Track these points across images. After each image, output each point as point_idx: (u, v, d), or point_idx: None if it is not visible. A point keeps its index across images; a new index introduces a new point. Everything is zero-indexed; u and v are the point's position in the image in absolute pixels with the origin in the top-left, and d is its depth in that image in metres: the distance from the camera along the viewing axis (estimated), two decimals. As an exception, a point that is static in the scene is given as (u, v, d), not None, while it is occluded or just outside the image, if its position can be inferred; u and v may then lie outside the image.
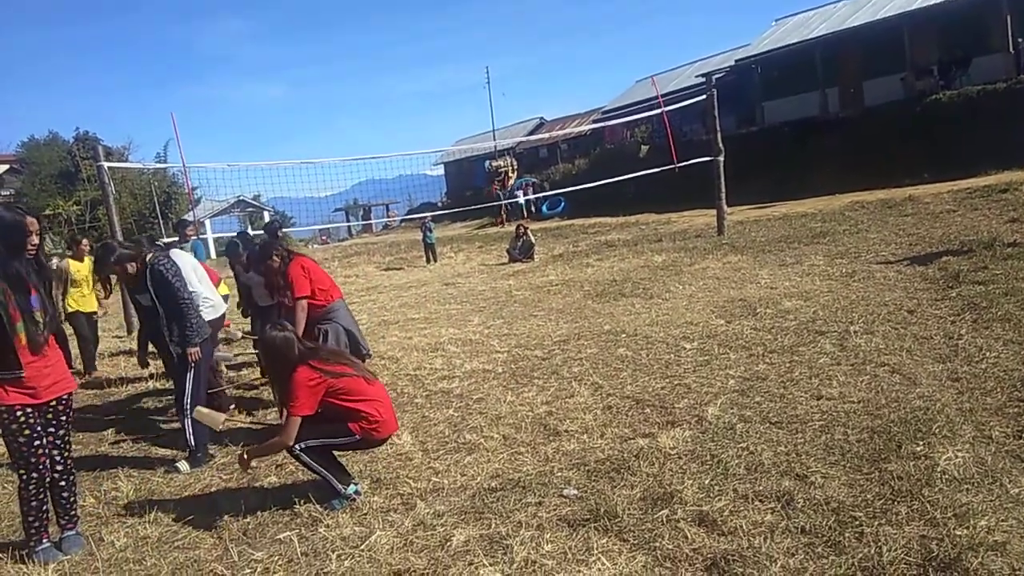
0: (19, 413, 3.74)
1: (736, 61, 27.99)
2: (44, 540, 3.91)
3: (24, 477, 3.81)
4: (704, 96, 15.18)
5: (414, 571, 3.37)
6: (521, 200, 29.91)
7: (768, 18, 32.16)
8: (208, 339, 5.36)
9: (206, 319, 5.46)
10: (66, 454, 4.00)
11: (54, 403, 3.89)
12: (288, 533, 3.91)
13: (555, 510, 3.79)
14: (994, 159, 15.95)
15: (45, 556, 3.86)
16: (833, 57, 24.37)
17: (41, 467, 3.83)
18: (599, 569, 3.17)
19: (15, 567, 3.82)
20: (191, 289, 5.48)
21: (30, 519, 3.88)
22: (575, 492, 3.95)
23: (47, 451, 3.86)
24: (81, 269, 8.49)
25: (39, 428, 3.81)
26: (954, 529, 3.09)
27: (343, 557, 3.58)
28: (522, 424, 5.22)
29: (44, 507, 3.92)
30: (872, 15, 23.68)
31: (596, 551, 3.31)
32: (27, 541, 3.92)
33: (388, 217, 47.66)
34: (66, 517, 4.03)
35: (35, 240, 3.80)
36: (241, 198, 39.71)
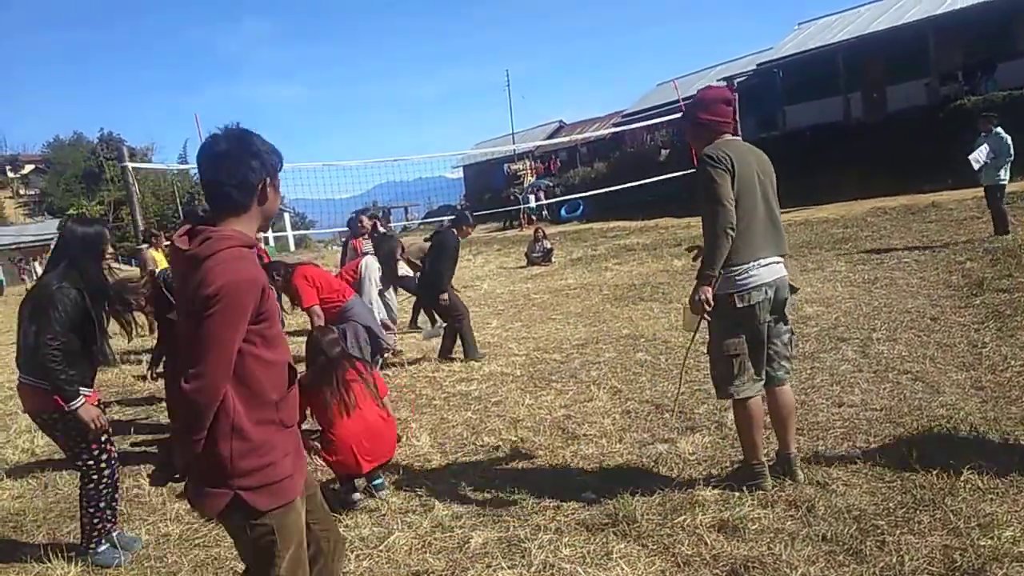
0: None
1: (758, 65, 27.82)
2: (104, 542, 3.87)
3: (96, 478, 3.77)
4: (725, 100, 15.10)
5: (432, 572, 3.38)
6: (532, 204, 29.83)
7: (791, 22, 31.98)
8: None
9: None
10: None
11: (97, 405, 3.86)
12: (307, 532, 3.93)
13: (573, 514, 3.78)
14: (1019, 166, 15.69)
15: (107, 558, 3.82)
16: (856, 62, 24.18)
17: (112, 463, 3.84)
18: (618, 574, 3.17)
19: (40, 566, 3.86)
20: None
21: (95, 521, 3.82)
22: (593, 496, 3.95)
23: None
24: (160, 261, 8.84)
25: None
26: (978, 539, 3.06)
27: (362, 557, 3.60)
28: (540, 427, 5.22)
29: (115, 504, 3.94)
30: (896, 20, 23.47)
31: (615, 555, 3.30)
32: (85, 544, 3.84)
33: (407, 220, 47.82)
34: (115, 516, 4.01)
35: (111, 249, 3.83)
36: (262, 199, 39.98)
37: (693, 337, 4.14)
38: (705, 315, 3.75)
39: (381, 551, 3.63)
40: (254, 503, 2.17)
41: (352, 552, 3.65)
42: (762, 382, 3.81)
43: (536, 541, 3.49)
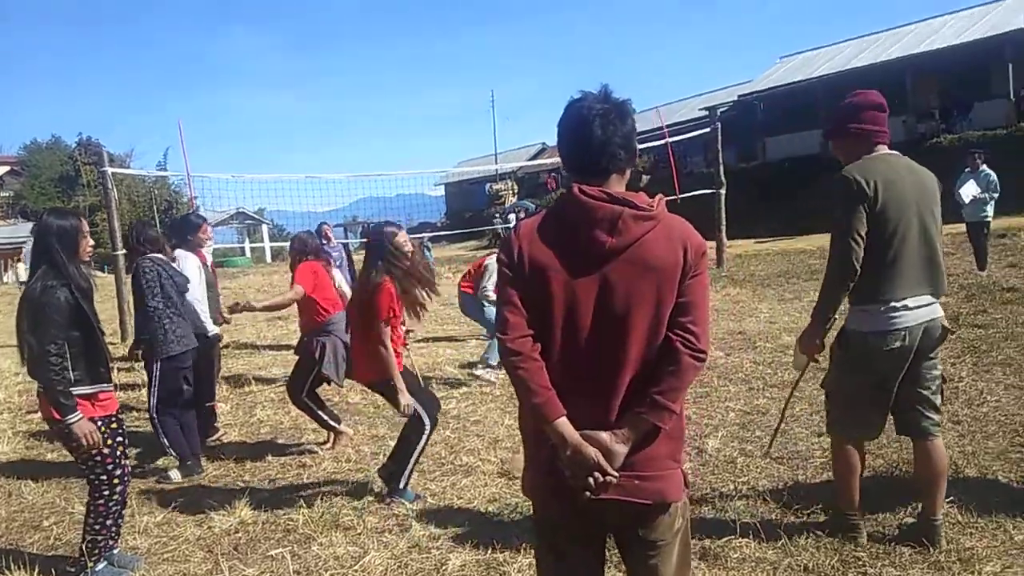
0: (113, 422, 3.65)
1: (739, 96, 28.24)
2: (102, 561, 3.68)
3: (107, 493, 3.61)
4: (708, 129, 15.28)
5: (409, 594, 3.32)
6: (513, 224, 29.81)
7: (773, 56, 32.43)
8: (187, 352, 5.17)
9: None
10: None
11: (116, 414, 3.73)
12: (280, 550, 3.85)
13: (553, 537, 3.73)
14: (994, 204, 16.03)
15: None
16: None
17: (126, 479, 3.70)
18: (598, 600, 3.11)
19: None
20: (192, 296, 5.48)
21: (99, 538, 3.64)
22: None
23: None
24: None
25: (118, 436, 3.68)
26: (959, 574, 3.06)
27: (336, 577, 3.52)
28: (520, 448, 5.15)
29: (120, 521, 3.78)
30: (875, 57, 23.98)
31: (595, 581, 3.25)
32: (84, 561, 3.62)
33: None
34: (118, 533, 3.83)
35: (91, 242, 3.67)
36: (241, 210, 39.68)
37: (799, 379, 3.98)
38: (816, 358, 3.53)
39: (356, 571, 3.56)
40: (686, 478, 2.12)
41: (326, 571, 3.58)
42: (878, 430, 3.44)
43: (515, 564, 3.44)
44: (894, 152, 3.31)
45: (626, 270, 1.94)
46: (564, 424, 1.96)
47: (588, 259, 1.96)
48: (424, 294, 4.56)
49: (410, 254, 4.51)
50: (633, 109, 2.04)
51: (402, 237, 4.54)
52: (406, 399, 4.31)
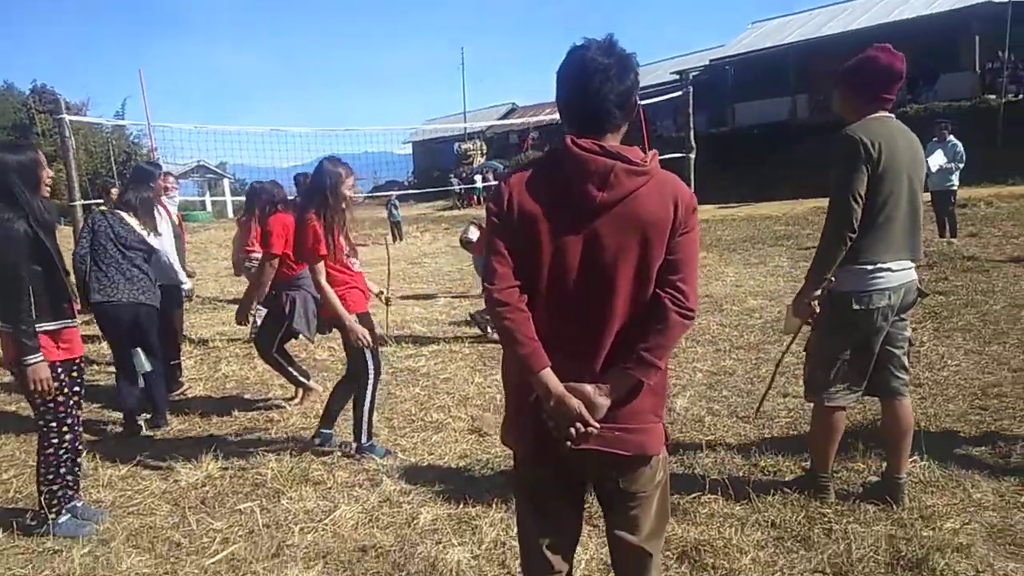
0: (74, 370, 3.57)
1: (711, 61, 28.21)
2: (64, 512, 3.61)
3: (56, 441, 3.54)
4: (680, 92, 15.21)
5: (380, 547, 3.31)
6: (479, 184, 29.75)
7: (746, 21, 32.48)
8: (112, 304, 4.95)
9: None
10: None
11: (79, 360, 3.64)
12: (249, 504, 3.82)
13: (524, 493, 3.75)
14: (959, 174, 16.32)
15: (69, 529, 3.56)
16: (805, 64, 24.70)
17: (76, 428, 3.61)
18: (569, 554, 3.14)
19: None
20: (164, 248, 5.55)
21: (55, 487, 3.57)
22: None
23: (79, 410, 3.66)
24: None
25: (76, 386, 3.60)
26: (921, 530, 3.14)
27: (306, 531, 3.50)
28: (490, 406, 5.17)
29: (76, 471, 3.69)
30: (845, 25, 24.05)
31: (566, 536, 3.28)
32: (43, 513, 3.55)
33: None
34: (77, 485, 3.76)
35: (50, 173, 3.54)
36: (202, 163, 38.85)
37: (791, 341, 3.88)
38: (808, 321, 3.42)
39: (327, 525, 3.54)
40: (667, 433, 2.12)
41: (296, 524, 3.56)
42: (859, 393, 3.46)
43: (487, 519, 3.45)
44: (890, 114, 3.29)
45: (616, 224, 1.91)
46: (548, 375, 1.93)
47: (579, 212, 1.91)
48: (344, 242, 4.24)
49: (348, 200, 4.26)
50: (637, 64, 1.98)
51: (349, 182, 4.27)
52: (358, 331, 4.15)
